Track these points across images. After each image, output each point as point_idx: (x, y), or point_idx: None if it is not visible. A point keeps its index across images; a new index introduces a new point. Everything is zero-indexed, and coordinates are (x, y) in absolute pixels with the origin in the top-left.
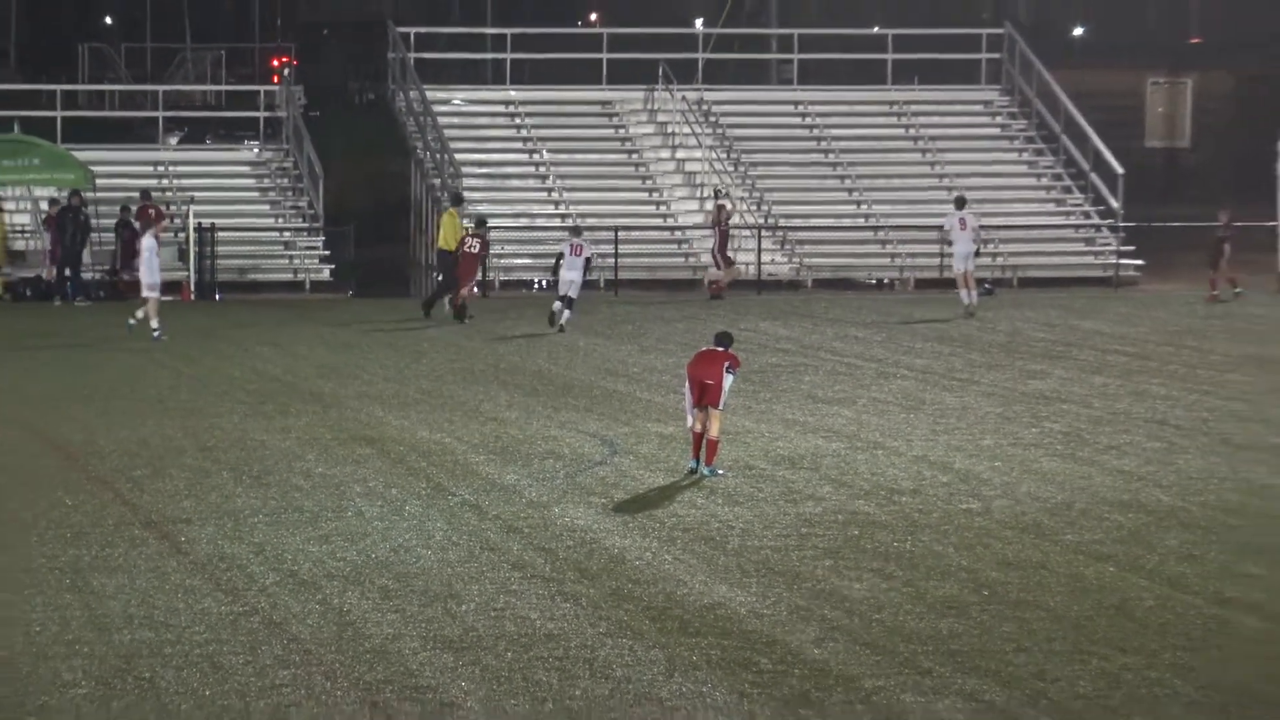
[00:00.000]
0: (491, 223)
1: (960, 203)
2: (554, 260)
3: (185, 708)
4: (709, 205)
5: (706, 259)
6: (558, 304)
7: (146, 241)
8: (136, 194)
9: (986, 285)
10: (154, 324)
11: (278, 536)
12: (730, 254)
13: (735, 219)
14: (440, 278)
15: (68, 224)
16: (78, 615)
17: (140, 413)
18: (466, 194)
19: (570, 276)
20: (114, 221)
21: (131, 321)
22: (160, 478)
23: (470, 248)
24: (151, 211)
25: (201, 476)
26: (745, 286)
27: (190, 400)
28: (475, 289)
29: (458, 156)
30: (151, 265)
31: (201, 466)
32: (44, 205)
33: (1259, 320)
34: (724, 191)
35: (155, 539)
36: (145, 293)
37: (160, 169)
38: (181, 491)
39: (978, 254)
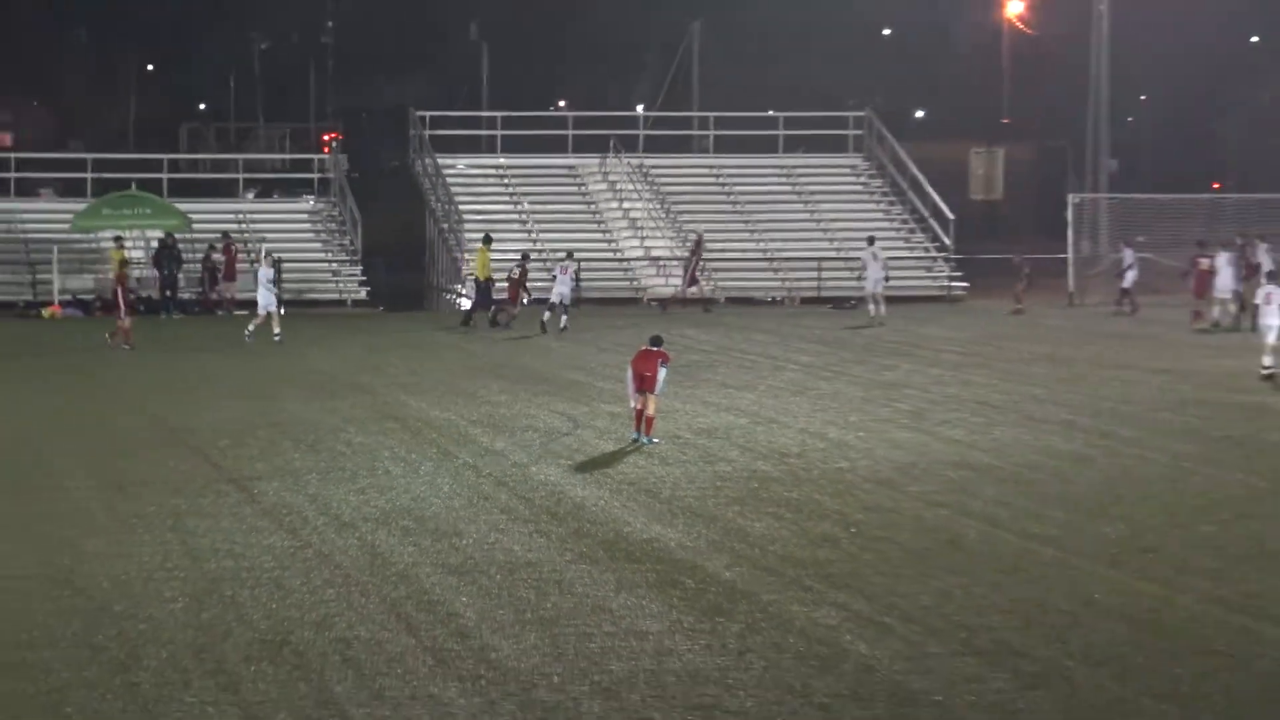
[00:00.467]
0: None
1: (871, 240)
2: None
3: (257, 617)
4: (673, 242)
5: (649, 282)
6: (547, 314)
7: (263, 272)
8: (220, 235)
9: (851, 301)
10: (255, 330)
11: (326, 489)
12: (697, 276)
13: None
14: (475, 299)
15: (165, 258)
16: (176, 549)
17: (223, 398)
18: (469, 236)
19: (561, 290)
20: (201, 256)
21: (250, 333)
22: (238, 446)
23: (513, 274)
24: (234, 249)
25: (269, 445)
26: (674, 303)
27: (261, 389)
28: (518, 305)
29: (461, 208)
30: (265, 289)
31: (270, 438)
32: (154, 244)
33: (1054, 328)
34: (699, 234)
35: (235, 491)
36: (260, 309)
37: (240, 217)
38: (255, 456)
39: (887, 280)
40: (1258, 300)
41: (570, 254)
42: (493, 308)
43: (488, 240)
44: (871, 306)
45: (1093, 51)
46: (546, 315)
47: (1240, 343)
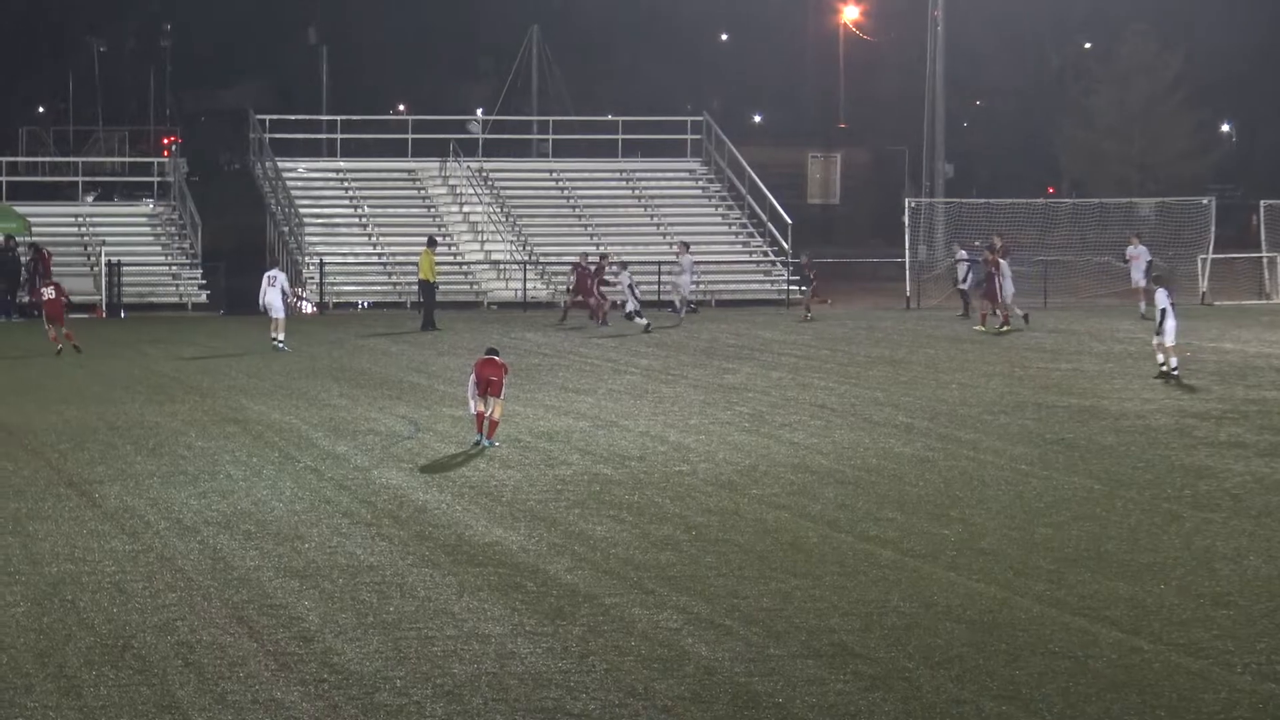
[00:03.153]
0: (327, 261)
1: (685, 247)
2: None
3: (98, 621)
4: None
5: (488, 286)
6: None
7: (273, 275)
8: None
9: (691, 305)
10: (280, 338)
11: (167, 493)
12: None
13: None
14: (423, 299)
15: (4, 262)
16: (16, 553)
17: (63, 401)
18: (308, 239)
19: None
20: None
21: (276, 342)
22: (79, 449)
23: (586, 268)
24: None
25: (110, 449)
26: (513, 306)
27: (101, 392)
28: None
29: (301, 210)
30: (276, 295)
31: (110, 441)
32: None
33: (891, 331)
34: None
35: (75, 495)
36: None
37: (80, 219)
38: (95, 459)
39: (696, 283)
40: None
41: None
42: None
43: (432, 243)
44: (681, 308)
45: (929, 57)
46: None
47: (1077, 346)
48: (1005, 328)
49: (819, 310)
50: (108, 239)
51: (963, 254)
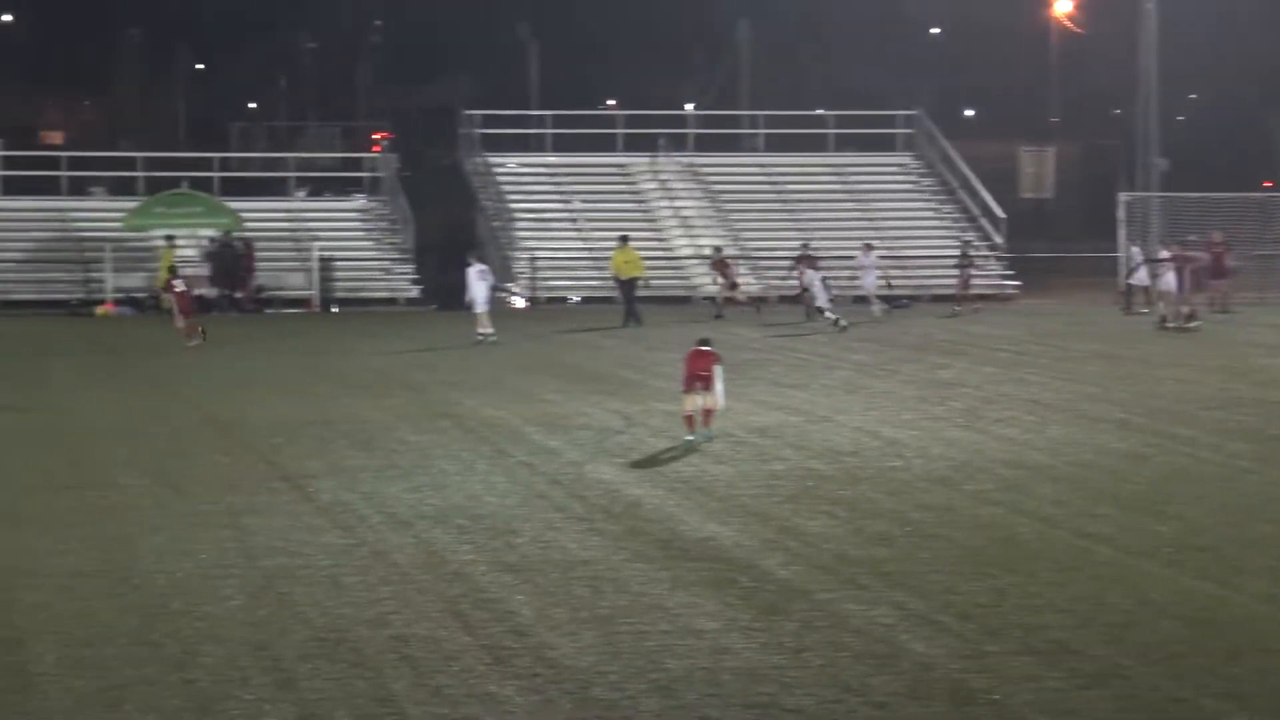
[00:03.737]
0: (538, 255)
1: (868, 247)
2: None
3: (313, 615)
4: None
5: (698, 281)
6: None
7: (483, 267)
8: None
9: (904, 300)
10: (487, 330)
11: (381, 487)
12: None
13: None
14: (624, 297)
15: (222, 257)
16: (232, 547)
17: (276, 396)
18: (518, 234)
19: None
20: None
21: (478, 336)
22: (293, 443)
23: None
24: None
25: (323, 443)
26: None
27: (314, 386)
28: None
29: (512, 205)
30: (479, 288)
31: (323, 435)
32: (205, 242)
33: (1105, 327)
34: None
35: (289, 489)
36: (477, 309)
37: (292, 215)
38: (309, 454)
39: (882, 280)
40: None
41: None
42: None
43: (624, 240)
44: (877, 306)
45: (1141, 50)
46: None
47: None
48: (1193, 323)
49: (962, 306)
50: (320, 234)
51: (1135, 251)
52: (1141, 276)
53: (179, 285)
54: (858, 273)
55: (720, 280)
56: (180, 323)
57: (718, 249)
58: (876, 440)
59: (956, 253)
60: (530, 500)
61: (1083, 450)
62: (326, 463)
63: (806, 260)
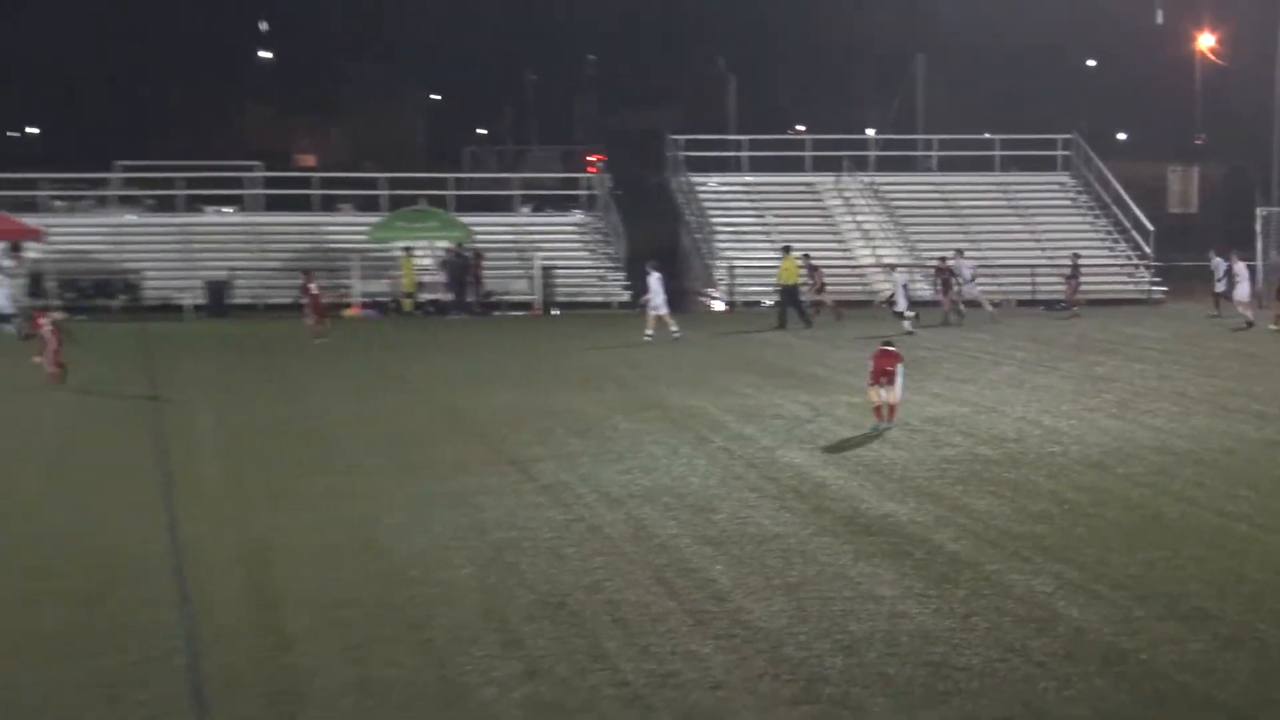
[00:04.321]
0: (735, 265)
1: (959, 253)
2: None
3: (536, 582)
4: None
5: (878, 286)
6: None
7: (655, 279)
8: (493, 245)
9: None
10: (674, 328)
11: (596, 470)
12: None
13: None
14: (782, 301)
15: (453, 266)
16: (464, 522)
17: (502, 389)
18: (718, 246)
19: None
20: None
21: (672, 333)
22: (518, 432)
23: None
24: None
25: (545, 431)
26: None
27: (536, 381)
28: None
29: (712, 220)
30: (657, 293)
31: (545, 424)
32: (440, 252)
33: (1243, 329)
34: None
35: (515, 471)
36: (652, 312)
37: (517, 228)
38: (532, 440)
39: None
40: None
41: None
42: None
43: (788, 250)
44: (989, 307)
45: (1279, 79)
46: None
47: None
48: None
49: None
50: (541, 245)
51: (1219, 261)
52: (1220, 286)
53: (314, 288)
54: (964, 283)
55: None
56: (311, 321)
57: (944, 257)
58: (1037, 429)
59: (1067, 263)
60: (728, 481)
61: (1223, 439)
62: (548, 448)
63: (945, 270)
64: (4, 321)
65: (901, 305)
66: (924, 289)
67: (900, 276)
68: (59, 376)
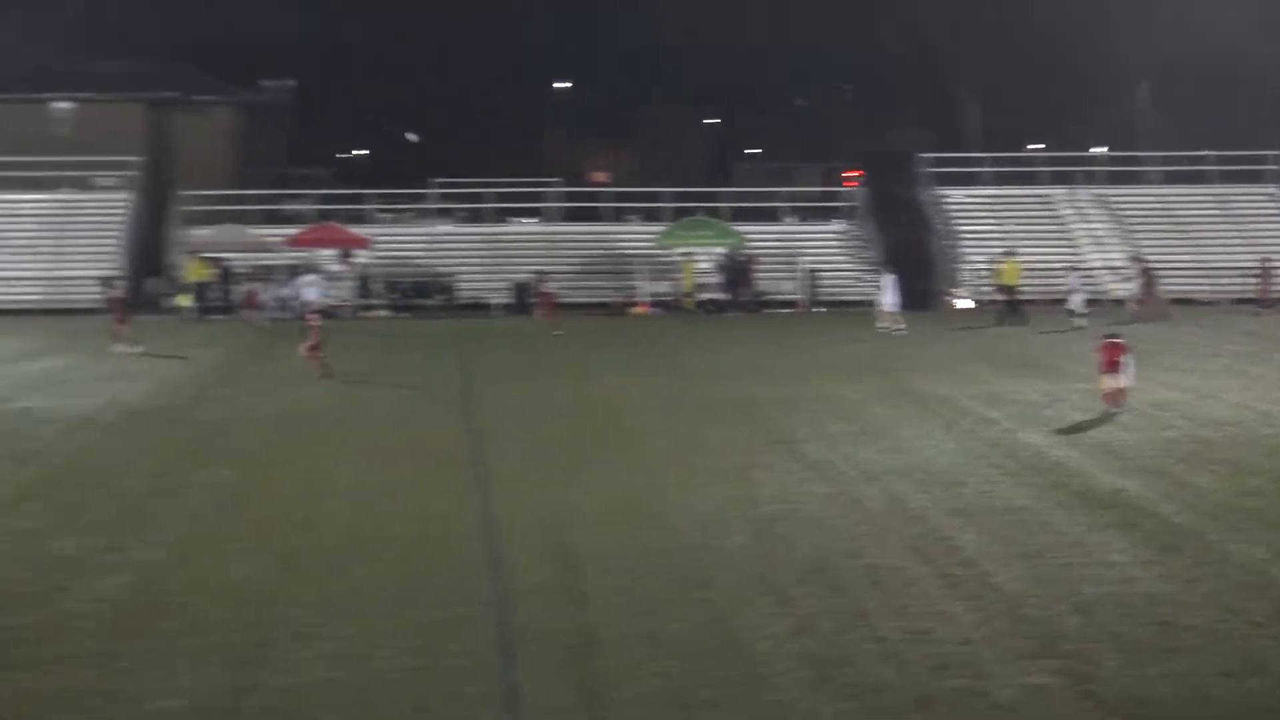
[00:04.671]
0: (979, 268)
1: (1073, 268)
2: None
3: (803, 549)
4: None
5: (1108, 287)
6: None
7: (887, 279)
8: (763, 250)
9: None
10: (900, 326)
11: (856, 450)
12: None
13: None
14: (1006, 301)
15: (728, 269)
16: (740, 495)
17: (775, 378)
18: (962, 251)
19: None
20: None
21: (895, 329)
22: (788, 416)
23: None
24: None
25: (812, 415)
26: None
27: (803, 370)
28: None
29: (958, 229)
30: (890, 291)
31: (812, 410)
32: (716, 257)
33: None
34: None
35: (785, 451)
36: (884, 308)
37: (784, 236)
38: (801, 423)
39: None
40: None
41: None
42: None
43: (1010, 254)
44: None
45: None
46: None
47: None
48: None
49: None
50: (806, 250)
51: None
52: None
53: (547, 288)
54: (1068, 293)
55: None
56: (544, 315)
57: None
58: (1253, 413)
59: (1130, 265)
60: (973, 459)
61: None
62: (814, 430)
63: (1147, 273)
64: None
65: (1075, 303)
66: (1124, 289)
67: (1075, 279)
68: (319, 367)
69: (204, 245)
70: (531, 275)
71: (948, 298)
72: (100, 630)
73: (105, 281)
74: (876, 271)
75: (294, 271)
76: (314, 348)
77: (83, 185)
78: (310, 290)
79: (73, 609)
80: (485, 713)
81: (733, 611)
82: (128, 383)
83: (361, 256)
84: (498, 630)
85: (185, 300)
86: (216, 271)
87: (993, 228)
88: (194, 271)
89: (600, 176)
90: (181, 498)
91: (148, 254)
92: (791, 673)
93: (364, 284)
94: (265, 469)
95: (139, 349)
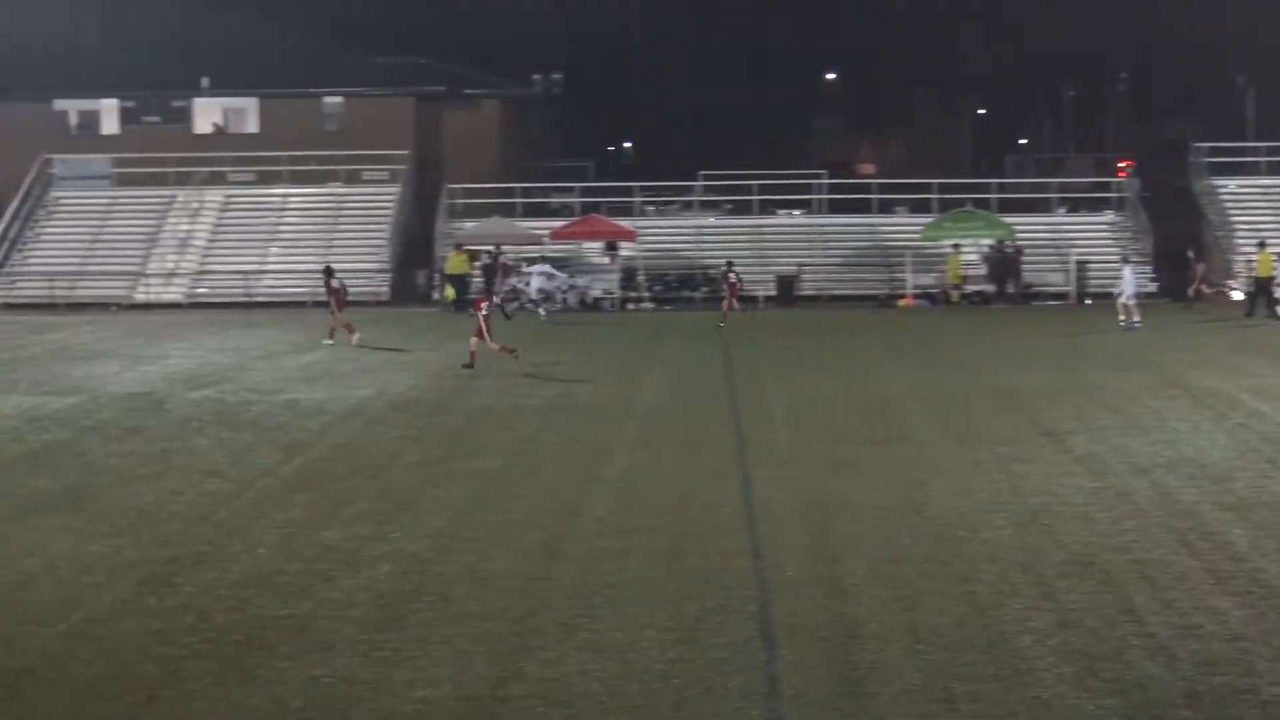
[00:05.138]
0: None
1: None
2: None
3: (1069, 542)
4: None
5: None
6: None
7: (1125, 271)
8: (1031, 243)
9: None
10: (1134, 318)
11: (1124, 441)
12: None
13: None
14: (1253, 291)
15: (996, 261)
16: (1004, 487)
17: (1041, 368)
18: (1236, 242)
19: None
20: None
21: (1131, 322)
22: (1053, 406)
23: None
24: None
25: (1078, 406)
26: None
27: (1069, 361)
28: None
29: (1231, 220)
30: (1129, 284)
31: (1078, 401)
32: (984, 249)
33: None
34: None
35: (1050, 443)
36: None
37: (1054, 227)
38: (1067, 415)
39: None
40: None
41: None
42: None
43: (1262, 245)
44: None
45: None
46: None
47: None
48: None
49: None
50: (1076, 242)
51: None
52: None
53: (733, 277)
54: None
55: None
56: (730, 306)
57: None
58: None
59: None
60: (1245, 453)
61: None
62: (1080, 422)
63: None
64: (535, 306)
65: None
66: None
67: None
68: (478, 351)
69: (470, 238)
70: (722, 265)
71: (1221, 290)
72: (363, 620)
73: (326, 273)
74: (1120, 264)
75: (529, 263)
76: (479, 335)
77: (352, 179)
78: (537, 280)
79: (337, 599)
80: (746, 705)
81: (995, 605)
82: (395, 374)
83: (626, 249)
84: (759, 622)
85: (450, 293)
86: (478, 265)
87: (1271, 219)
88: (455, 264)
89: (867, 169)
90: (445, 488)
91: (415, 247)
92: (1055, 668)
93: (629, 277)
94: (530, 459)
95: (354, 339)
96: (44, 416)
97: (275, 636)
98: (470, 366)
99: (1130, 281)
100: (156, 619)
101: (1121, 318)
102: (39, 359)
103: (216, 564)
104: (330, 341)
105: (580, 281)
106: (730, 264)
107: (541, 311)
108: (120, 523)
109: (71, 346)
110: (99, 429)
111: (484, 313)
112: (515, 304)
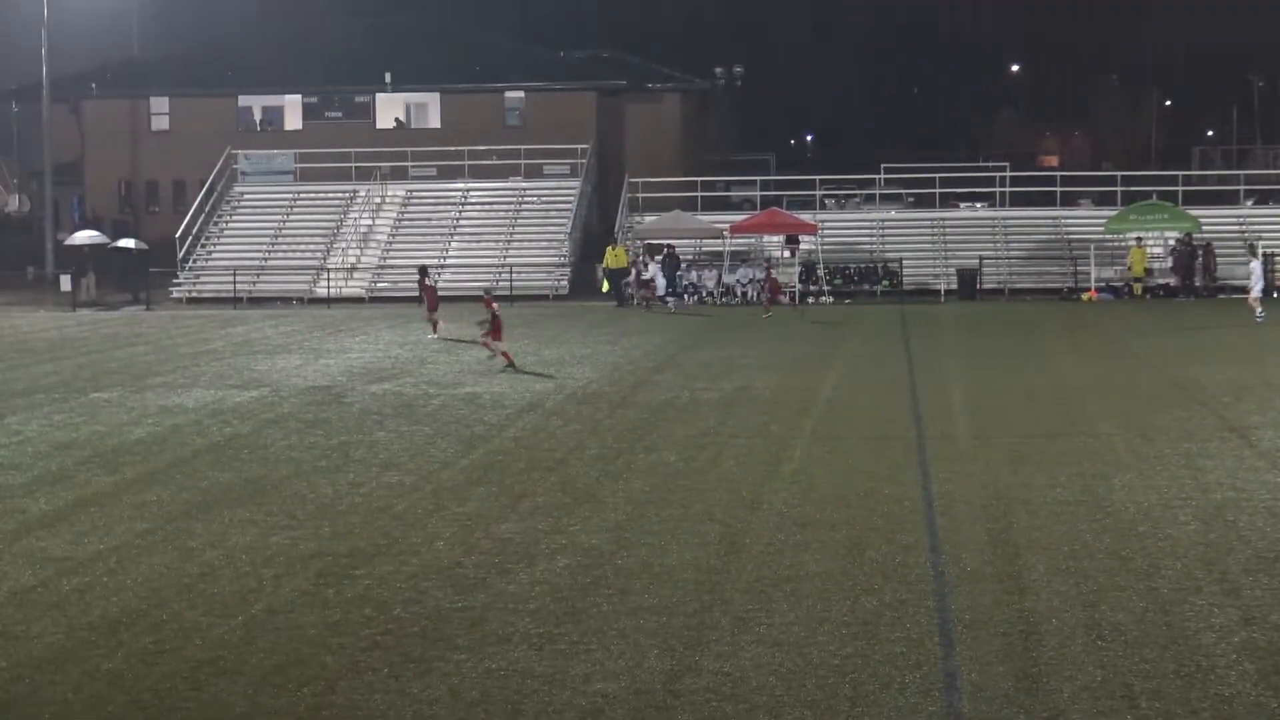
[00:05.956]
0: None
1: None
2: None
3: (1254, 538)
4: None
5: None
6: None
7: (1255, 265)
8: (1217, 236)
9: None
10: (1259, 311)
11: None
12: None
13: None
14: None
15: (1182, 254)
16: (1188, 483)
17: (1226, 362)
18: None
19: None
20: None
21: (1259, 317)
22: (1239, 401)
23: None
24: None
25: (1264, 400)
26: None
27: (1253, 355)
28: None
29: None
30: (1257, 279)
31: (1265, 395)
32: (1169, 242)
33: None
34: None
35: (1236, 438)
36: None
37: (1241, 220)
38: (1252, 410)
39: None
40: None
41: None
42: None
43: None
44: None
45: None
46: None
47: None
48: None
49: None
50: (1264, 234)
51: None
52: None
53: (775, 271)
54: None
55: None
56: (777, 299)
57: None
58: None
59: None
60: None
61: None
62: (1267, 417)
63: None
64: (663, 300)
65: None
66: None
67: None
68: (493, 353)
69: (651, 232)
70: (765, 265)
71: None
72: (540, 613)
73: (421, 272)
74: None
75: (653, 257)
76: (488, 334)
77: (534, 173)
78: (653, 271)
79: (515, 591)
80: (923, 701)
81: (1178, 601)
82: (574, 368)
83: (807, 242)
84: (937, 617)
85: (606, 286)
86: (659, 259)
87: None
88: (612, 259)
89: (1050, 161)
90: (624, 481)
91: (595, 241)
92: (1237, 665)
93: (809, 270)
94: (709, 452)
95: (437, 334)
96: (226, 410)
97: (452, 629)
98: (511, 366)
99: (1258, 276)
100: (335, 610)
101: (1258, 312)
102: (221, 353)
103: (394, 556)
104: (434, 335)
105: (758, 274)
106: (770, 263)
107: (670, 303)
108: (300, 515)
109: (253, 340)
110: (280, 422)
111: (497, 312)
112: (654, 298)
